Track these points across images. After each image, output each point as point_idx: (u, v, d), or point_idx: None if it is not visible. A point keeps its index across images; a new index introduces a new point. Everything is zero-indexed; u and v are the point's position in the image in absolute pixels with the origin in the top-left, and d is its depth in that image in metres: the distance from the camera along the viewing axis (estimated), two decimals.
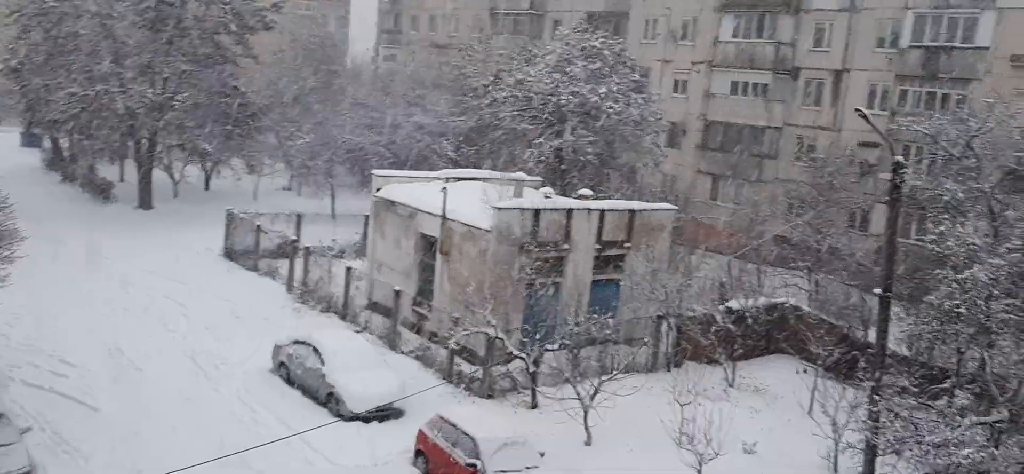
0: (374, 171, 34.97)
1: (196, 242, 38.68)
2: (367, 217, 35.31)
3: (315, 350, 24.03)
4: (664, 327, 28.33)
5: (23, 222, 23.37)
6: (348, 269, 31.19)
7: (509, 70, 44.10)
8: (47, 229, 36.36)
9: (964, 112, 33.45)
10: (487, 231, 27.05)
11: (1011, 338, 22.21)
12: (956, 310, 22.13)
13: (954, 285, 22.32)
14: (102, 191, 47.83)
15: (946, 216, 28.32)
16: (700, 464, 19.18)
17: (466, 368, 25.54)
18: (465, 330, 24.96)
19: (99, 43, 44.87)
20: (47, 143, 58.02)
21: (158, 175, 47.81)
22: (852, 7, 43.13)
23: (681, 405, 20.31)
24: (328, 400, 23.10)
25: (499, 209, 27.17)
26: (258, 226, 36.92)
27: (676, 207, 33.70)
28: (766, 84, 46.45)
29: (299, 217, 39.74)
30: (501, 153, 45.42)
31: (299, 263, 33.19)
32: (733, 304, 29.74)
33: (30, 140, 61.84)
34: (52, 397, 21.88)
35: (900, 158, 19.10)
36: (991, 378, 21.50)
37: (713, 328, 28.31)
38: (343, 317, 30.32)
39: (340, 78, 61.04)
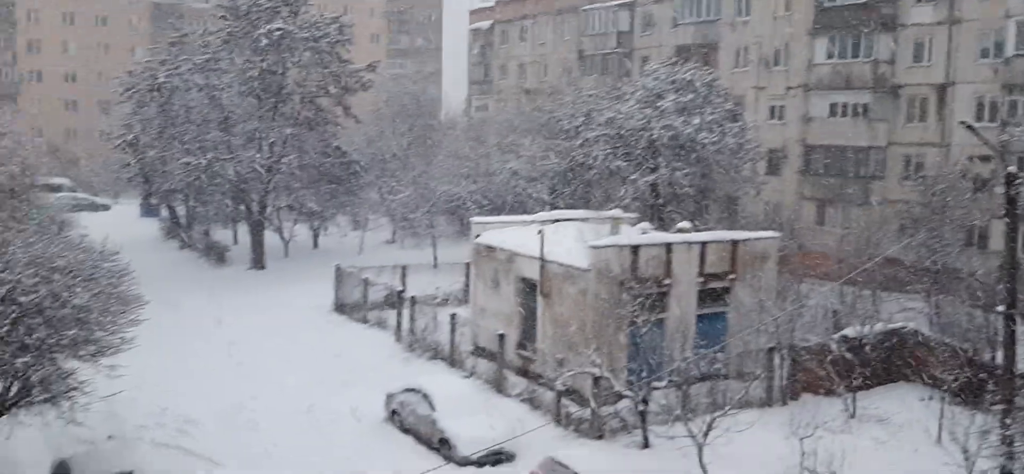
0: (472, 218, 35.48)
1: (307, 298, 39.82)
2: (468, 264, 35.79)
3: (425, 397, 24.46)
4: (776, 359, 27.58)
5: (144, 288, 24.69)
6: (452, 316, 31.59)
7: (599, 110, 44.19)
8: (166, 293, 38.03)
9: None
10: (586, 270, 27.02)
11: None
12: None
13: None
14: (218, 255, 50.10)
15: None
16: None
17: (574, 409, 25.41)
18: (570, 371, 24.90)
19: (208, 114, 47.32)
20: (164, 212, 61.16)
21: (269, 236, 49.73)
22: (951, 19, 41.62)
23: (800, 439, 19.68)
24: (440, 445, 23.39)
25: (596, 247, 27.13)
26: (365, 279, 37.83)
27: (780, 235, 32.91)
28: (866, 104, 45.08)
29: (404, 268, 40.51)
30: (596, 193, 45.34)
31: (406, 313, 33.84)
32: (849, 332, 28.67)
33: (148, 210, 65.30)
34: (178, 455, 22.82)
35: (1013, 169, 18.24)
36: None
37: (829, 358, 27.37)
38: (450, 363, 30.65)
39: (436, 131, 62.54)
